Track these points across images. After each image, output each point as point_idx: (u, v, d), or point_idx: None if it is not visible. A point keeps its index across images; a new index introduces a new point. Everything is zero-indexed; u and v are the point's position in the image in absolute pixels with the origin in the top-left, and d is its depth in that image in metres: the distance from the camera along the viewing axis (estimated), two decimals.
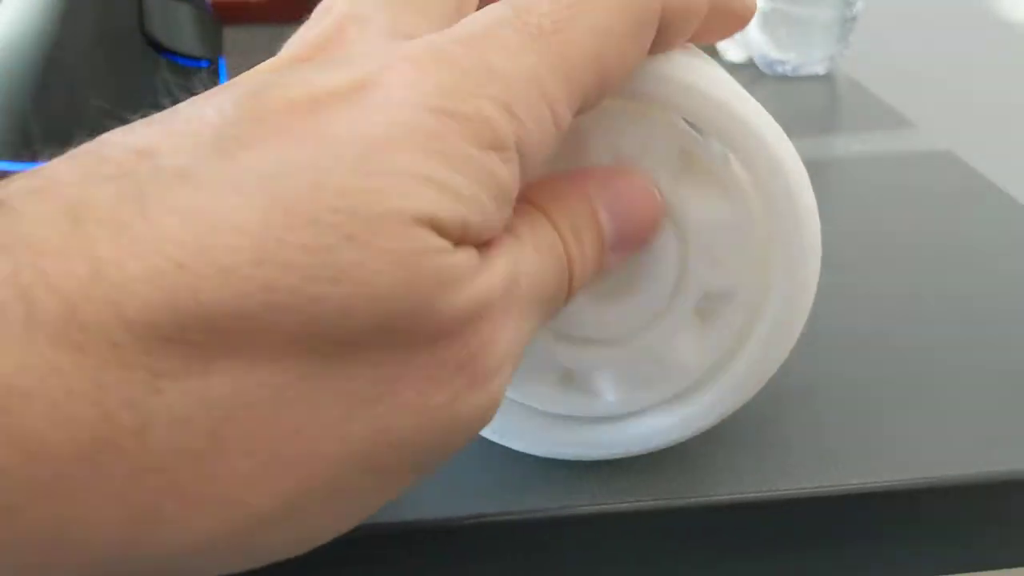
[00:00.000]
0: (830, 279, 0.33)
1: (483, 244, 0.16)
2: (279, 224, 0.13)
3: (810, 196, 0.21)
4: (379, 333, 0.14)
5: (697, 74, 0.20)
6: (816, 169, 0.44)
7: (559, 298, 0.18)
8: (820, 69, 0.55)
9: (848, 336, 0.29)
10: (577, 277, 0.18)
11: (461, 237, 0.15)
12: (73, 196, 0.13)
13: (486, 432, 0.24)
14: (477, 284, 0.15)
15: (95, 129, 0.16)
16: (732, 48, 0.57)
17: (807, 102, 0.51)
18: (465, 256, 0.15)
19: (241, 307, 0.13)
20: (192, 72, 0.43)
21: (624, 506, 0.23)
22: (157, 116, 0.16)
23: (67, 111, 0.37)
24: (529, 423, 0.23)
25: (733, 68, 0.56)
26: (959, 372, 0.27)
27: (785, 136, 0.21)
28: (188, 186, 0.13)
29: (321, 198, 0.14)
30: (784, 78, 0.55)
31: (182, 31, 0.43)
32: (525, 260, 0.17)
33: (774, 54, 0.54)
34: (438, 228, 0.15)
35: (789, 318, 0.22)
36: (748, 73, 0.55)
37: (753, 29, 0.54)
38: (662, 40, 0.18)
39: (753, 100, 0.21)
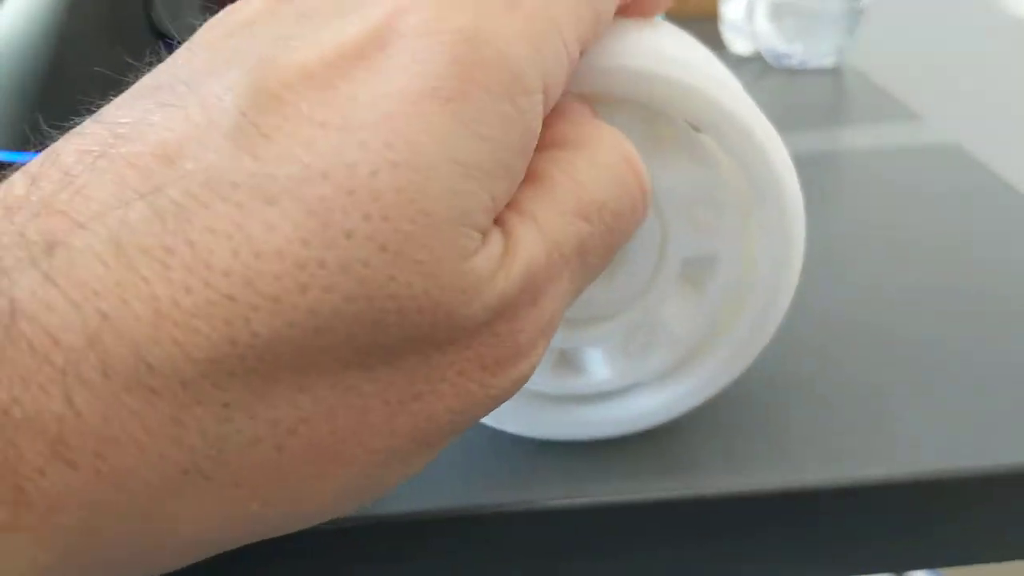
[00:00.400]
0: (836, 272, 0.33)
1: (504, 216, 0.16)
2: (318, 243, 0.13)
3: (784, 156, 0.21)
4: (409, 342, 0.15)
5: (645, 56, 0.19)
6: (823, 162, 0.43)
7: (594, 263, 0.18)
8: (828, 62, 0.54)
9: (854, 329, 0.29)
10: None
11: (489, 214, 0.15)
12: (112, 223, 0.13)
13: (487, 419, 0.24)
14: (498, 284, 0.15)
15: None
16: (739, 41, 0.57)
17: (814, 95, 0.51)
18: (486, 254, 0.15)
19: (291, 335, 0.14)
20: None
21: (622, 499, 0.23)
22: (165, 91, 0.15)
23: (73, 100, 0.36)
24: (523, 406, 0.23)
25: (740, 61, 0.56)
26: (965, 366, 0.27)
27: (747, 98, 0.21)
28: (220, 200, 0.13)
29: (353, 205, 0.14)
30: (791, 71, 0.54)
31: (189, 21, 0.43)
32: (541, 240, 0.16)
33: (781, 47, 0.54)
34: (468, 221, 0.15)
35: (776, 283, 0.22)
36: (755, 66, 0.55)
37: (760, 21, 0.54)
38: None
39: (704, 63, 0.21)
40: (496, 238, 0.16)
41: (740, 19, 0.56)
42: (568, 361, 0.23)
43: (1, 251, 0.13)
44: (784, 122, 0.49)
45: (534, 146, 0.16)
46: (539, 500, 0.22)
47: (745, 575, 0.24)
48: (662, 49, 0.20)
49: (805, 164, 0.43)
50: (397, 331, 0.14)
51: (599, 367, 0.23)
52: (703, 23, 0.62)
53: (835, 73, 0.54)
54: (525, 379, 0.17)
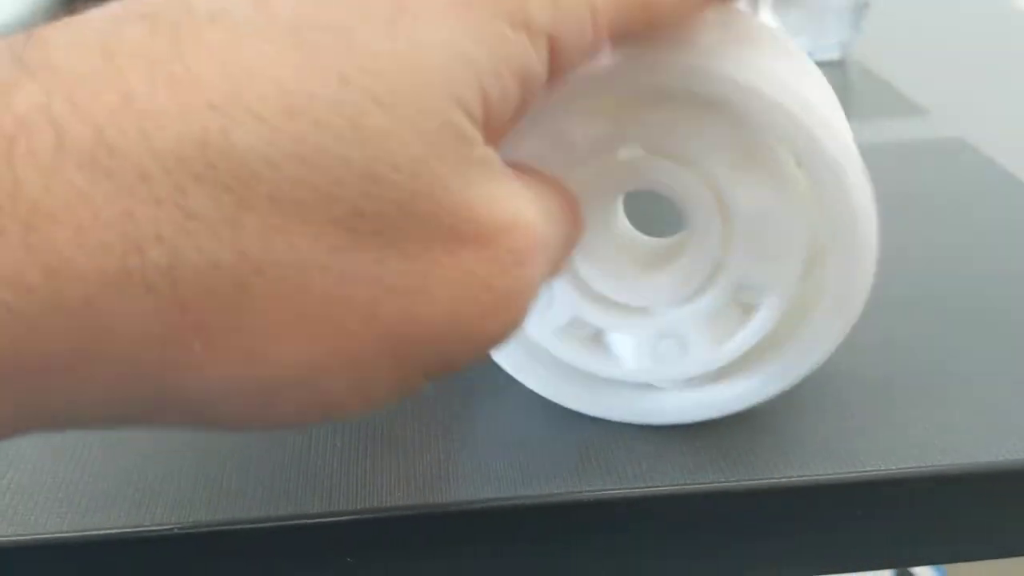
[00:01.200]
0: None
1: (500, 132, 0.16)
2: (311, 79, 0.13)
3: (867, 199, 0.21)
4: (404, 216, 0.14)
5: (757, 72, 0.19)
6: None
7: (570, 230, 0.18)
8: (832, 55, 0.54)
9: (860, 323, 0.29)
10: None
11: (483, 118, 0.15)
12: (105, 31, 0.13)
13: (506, 365, 0.24)
14: (498, 192, 0.15)
15: None
16: None
17: None
18: (486, 155, 0.15)
19: (271, 156, 0.13)
20: None
21: (631, 493, 0.23)
22: None
23: None
24: (553, 370, 0.24)
25: None
26: (972, 361, 0.27)
27: (846, 136, 0.21)
28: (220, 29, 0.13)
29: (351, 57, 0.14)
30: None
31: None
32: (536, 207, 0.16)
33: None
34: (464, 106, 0.14)
35: (833, 323, 0.22)
36: None
37: (765, 14, 0.54)
38: None
39: (816, 92, 0.21)
40: (496, 158, 0.16)
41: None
42: (601, 343, 0.24)
43: None
44: None
45: (533, 90, 0.16)
46: (548, 495, 0.22)
47: (748, 571, 0.24)
48: (772, 67, 0.20)
49: None
50: (391, 192, 0.14)
51: (627, 357, 0.23)
52: None
53: (839, 66, 0.54)
54: (510, 330, 0.16)
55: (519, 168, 0.17)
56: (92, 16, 0.14)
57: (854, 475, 0.23)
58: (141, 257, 0.12)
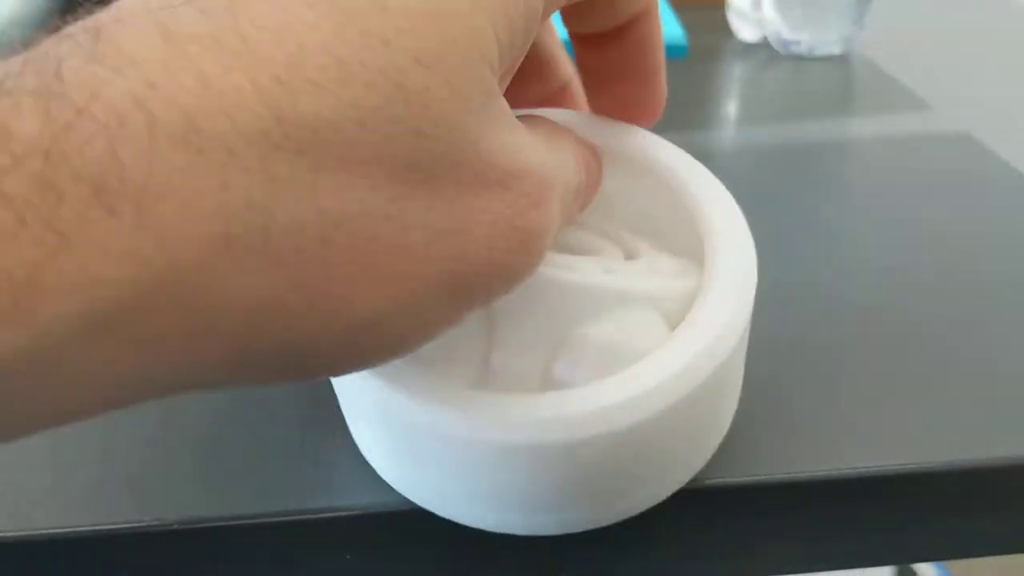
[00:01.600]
0: (845, 260, 0.32)
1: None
2: (358, 44, 0.15)
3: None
4: (443, 166, 0.16)
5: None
6: (831, 151, 0.43)
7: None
8: (835, 49, 0.54)
9: (862, 317, 0.29)
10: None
11: (500, 69, 0.17)
12: (158, 18, 0.14)
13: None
14: (516, 134, 0.17)
15: None
16: (746, 28, 0.57)
17: (822, 83, 0.51)
18: (503, 103, 0.17)
19: (335, 120, 0.14)
20: None
21: None
22: None
23: None
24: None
25: (747, 48, 0.56)
26: (974, 354, 0.27)
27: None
28: (265, 3, 0.15)
29: (387, 18, 0.15)
30: (799, 58, 0.54)
31: None
32: (550, 156, 0.18)
33: (788, 34, 0.54)
34: (488, 60, 0.16)
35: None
36: (762, 53, 0.55)
37: (768, 8, 0.54)
38: None
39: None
40: (508, 108, 0.17)
41: (747, 6, 0.56)
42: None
43: (46, 47, 0.14)
44: (791, 110, 0.49)
45: (535, 29, 0.18)
46: None
47: (744, 564, 0.24)
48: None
49: (812, 152, 0.43)
50: (434, 148, 0.15)
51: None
52: (710, 10, 0.61)
53: (843, 61, 0.54)
54: (531, 267, 0.18)
55: (535, 120, 0.20)
56: (130, 4, 0.15)
57: (851, 472, 0.23)
58: (239, 222, 0.14)
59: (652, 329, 0.21)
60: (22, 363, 0.13)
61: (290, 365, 0.16)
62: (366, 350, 0.17)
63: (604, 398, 0.19)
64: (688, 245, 0.23)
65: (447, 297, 0.16)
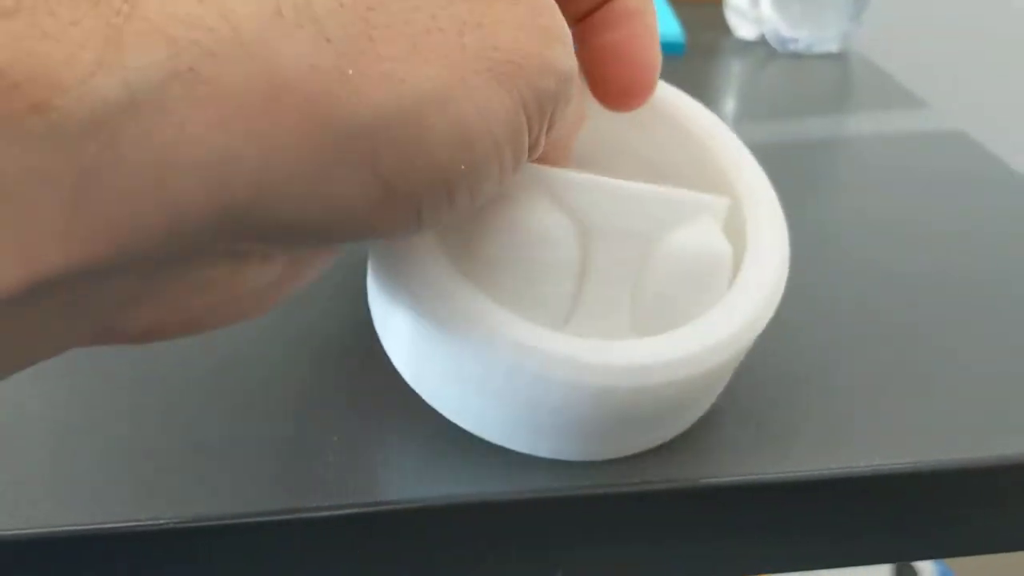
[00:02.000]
0: (840, 258, 0.32)
1: None
2: None
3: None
4: None
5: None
6: (827, 149, 0.43)
7: None
8: (833, 47, 0.54)
9: (858, 316, 0.29)
10: None
11: None
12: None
13: None
14: None
15: None
16: (744, 25, 0.57)
17: (819, 81, 0.51)
18: None
19: None
20: None
21: (628, 488, 0.23)
22: None
23: None
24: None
25: (744, 46, 0.56)
26: (970, 353, 0.27)
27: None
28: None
29: None
30: (796, 56, 0.54)
31: None
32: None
33: (786, 31, 0.54)
34: None
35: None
36: (760, 51, 0.55)
37: (765, 6, 0.54)
38: None
39: None
40: None
41: (745, 4, 0.56)
42: None
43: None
44: (789, 107, 0.48)
45: None
46: (532, 491, 0.22)
47: (742, 563, 0.24)
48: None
49: (809, 150, 0.43)
50: None
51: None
52: (708, 8, 0.61)
53: (840, 58, 0.54)
54: (570, 63, 0.18)
55: None
56: None
57: (849, 471, 0.23)
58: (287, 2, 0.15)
59: (720, 234, 0.24)
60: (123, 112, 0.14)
61: (364, 165, 0.16)
62: (435, 132, 0.17)
63: (669, 351, 0.21)
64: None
65: (495, 83, 0.17)
